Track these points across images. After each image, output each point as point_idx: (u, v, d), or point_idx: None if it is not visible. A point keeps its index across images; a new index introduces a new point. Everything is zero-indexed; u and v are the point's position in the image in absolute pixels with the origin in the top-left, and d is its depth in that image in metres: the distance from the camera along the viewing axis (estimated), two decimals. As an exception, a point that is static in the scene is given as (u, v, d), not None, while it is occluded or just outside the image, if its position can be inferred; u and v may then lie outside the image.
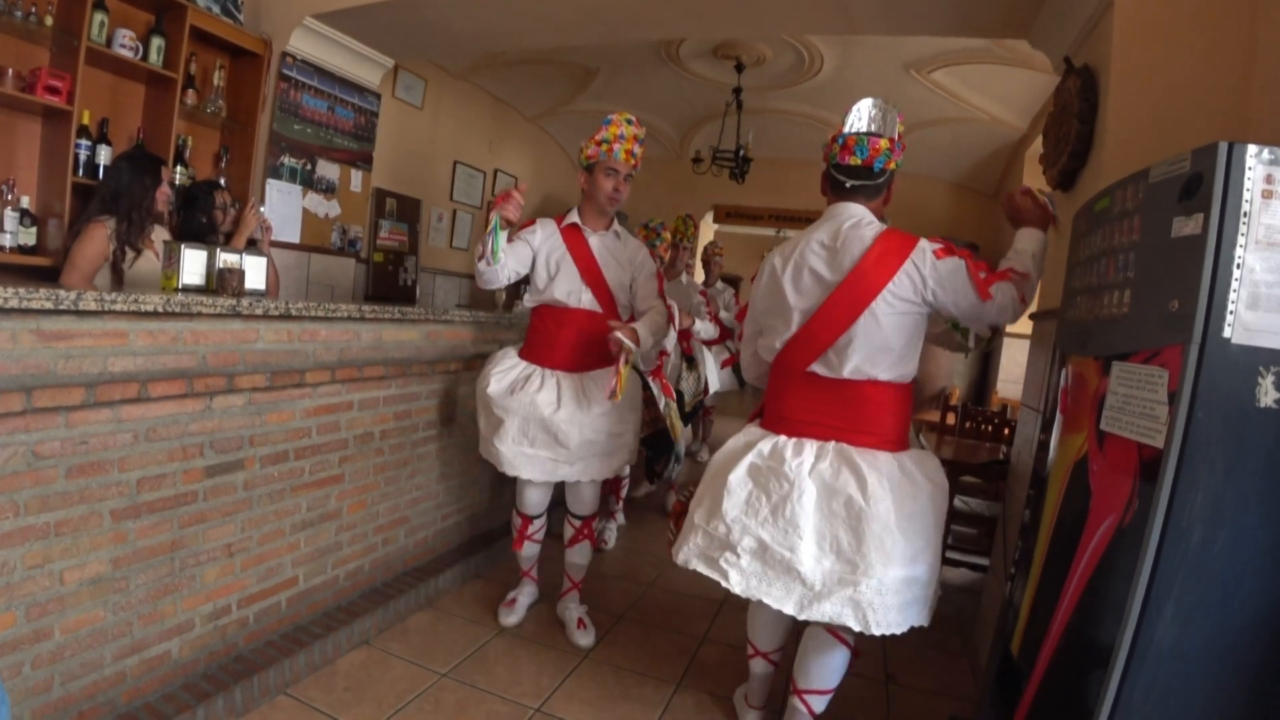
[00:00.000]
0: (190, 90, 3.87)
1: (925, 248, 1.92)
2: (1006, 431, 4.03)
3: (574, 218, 2.75)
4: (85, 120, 3.39)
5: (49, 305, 1.61)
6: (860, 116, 2.01)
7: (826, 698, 2.10)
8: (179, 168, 3.90)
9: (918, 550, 1.87)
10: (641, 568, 3.63)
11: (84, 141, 3.40)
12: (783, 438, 1.99)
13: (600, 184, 2.66)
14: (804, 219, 7.78)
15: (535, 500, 2.83)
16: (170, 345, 1.94)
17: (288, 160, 4.48)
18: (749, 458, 1.98)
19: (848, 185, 2.03)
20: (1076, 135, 2.41)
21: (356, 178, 5.04)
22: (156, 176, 2.91)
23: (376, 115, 5.10)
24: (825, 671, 2.08)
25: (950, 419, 4.50)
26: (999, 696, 1.70)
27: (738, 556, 1.92)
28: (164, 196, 2.93)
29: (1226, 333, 1.17)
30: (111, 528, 1.85)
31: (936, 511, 1.93)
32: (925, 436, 3.89)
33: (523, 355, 2.77)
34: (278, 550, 2.37)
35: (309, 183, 4.66)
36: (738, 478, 1.96)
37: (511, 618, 2.87)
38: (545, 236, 2.72)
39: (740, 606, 3.19)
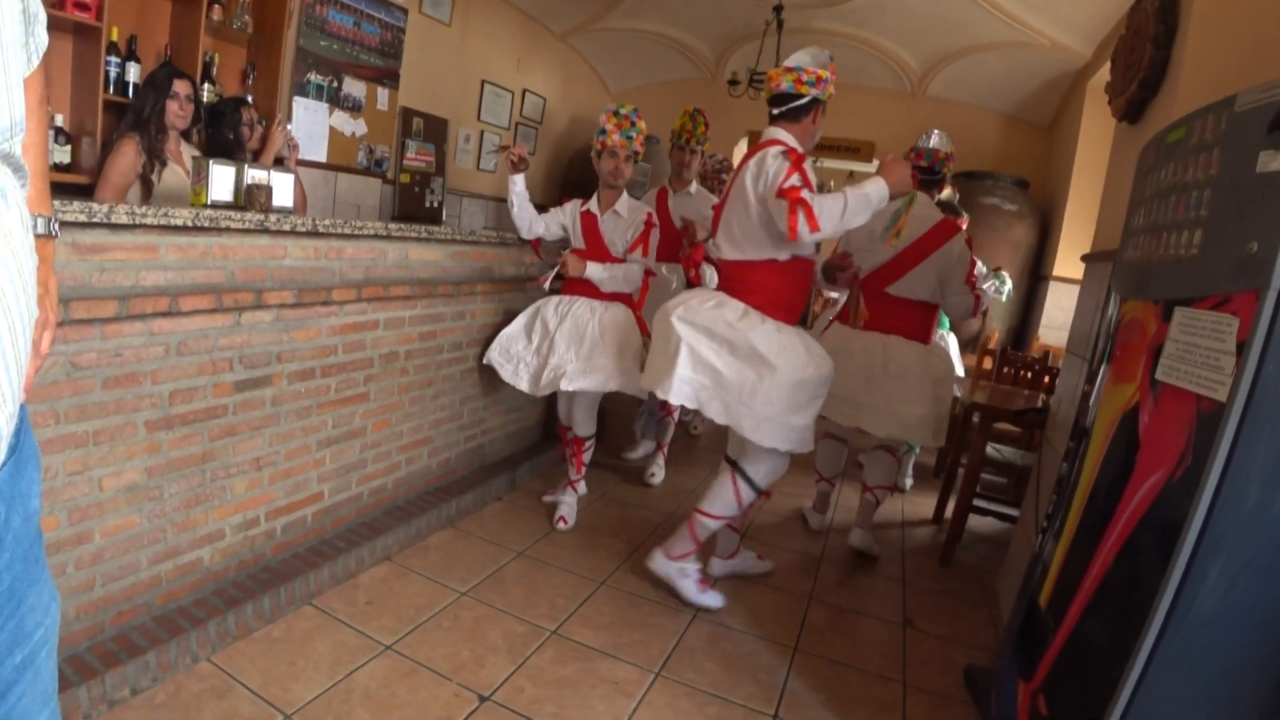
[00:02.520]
0: (216, 5, 3.77)
1: (961, 236, 3.01)
2: (1046, 379, 3.91)
3: None
4: (114, 37, 3.33)
5: (83, 218, 1.62)
6: (931, 138, 3.21)
7: (887, 491, 3.24)
8: (206, 84, 3.82)
9: (944, 397, 3.05)
10: (661, 499, 3.65)
11: (113, 58, 3.35)
12: (866, 332, 3.10)
13: None
14: (842, 148, 7.45)
15: None
16: (199, 260, 1.94)
17: (314, 77, 4.38)
18: (855, 349, 3.06)
19: (920, 179, 3.11)
20: (1150, 62, 2.24)
21: (383, 96, 4.93)
22: (164, 89, 2.87)
23: (403, 31, 4.95)
24: (883, 473, 3.21)
25: (988, 364, 4.38)
26: (1021, 649, 1.68)
27: (858, 408, 3.02)
28: (174, 108, 2.88)
29: (1309, 281, 1.08)
30: (145, 438, 1.89)
31: (951, 376, 3.14)
32: (959, 383, 3.84)
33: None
34: (304, 465, 2.41)
35: (335, 100, 4.57)
36: (850, 360, 3.00)
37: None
38: None
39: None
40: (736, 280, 2.47)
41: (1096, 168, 4.39)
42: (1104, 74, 2.86)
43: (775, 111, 2.46)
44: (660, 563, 2.62)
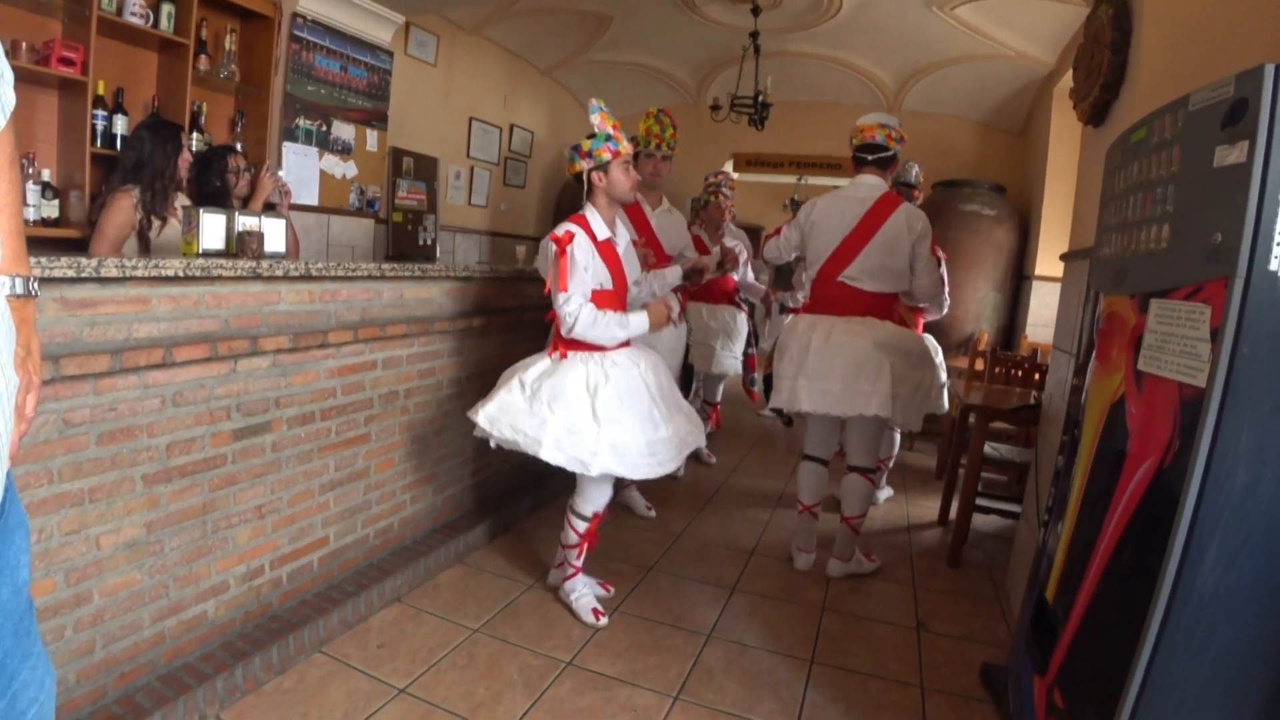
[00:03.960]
0: (202, 56, 3.83)
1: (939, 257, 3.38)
2: (1037, 376, 3.97)
3: None
4: (100, 91, 3.36)
5: (71, 273, 1.61)
6: (914, 172, 3.80)
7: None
8: (195, 134, 3.87)
9: (936, 374, 3.48)
10: (671, 519, 3.65)
11: (100, 112, 3.38)
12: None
13: None
14: (825, 164, 7.58)
15: None
16: (193, 309, 1.94)
17: (303, 122, 4.45)
18: None
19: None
20: (1109, 66, 2.32)
21: (372, 137, 5.00)
22: (177, 143, 2.91)
23: (390, 74, 5.04)
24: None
25: (979, 364, 4.43)
26: (1034, 643, 1.69)
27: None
28: (185, 163, 2.93)
29: (1273, 265, 1.11)
30: (144, 492, 1.87)
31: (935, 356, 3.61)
32: (954, 382, 3.91)
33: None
34: (308, 510, 2.40)
35: (325, 144, 4.63)
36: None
37: None
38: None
39: (770, 555, 3.23)
40: (873, 305, 2.91)
41: (1068, 169, 4.50)
42: (1068, 80, 2.94)
43: (869, 159, 2.91)
44: (840, 567, 3.08)
